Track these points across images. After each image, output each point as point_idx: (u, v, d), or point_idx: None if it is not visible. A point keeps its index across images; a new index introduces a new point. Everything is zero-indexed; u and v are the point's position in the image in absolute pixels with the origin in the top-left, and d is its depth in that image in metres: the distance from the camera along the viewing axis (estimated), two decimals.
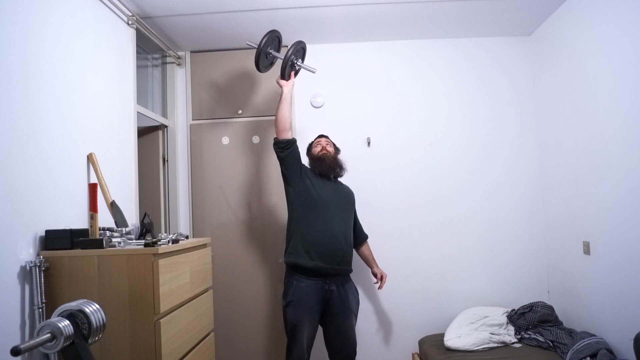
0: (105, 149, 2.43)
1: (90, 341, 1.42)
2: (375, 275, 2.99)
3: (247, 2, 2.82)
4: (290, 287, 2.61)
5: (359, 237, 3.00)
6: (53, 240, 1.89)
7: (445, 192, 3.45)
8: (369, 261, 3.03)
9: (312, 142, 2.99)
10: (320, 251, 2.59)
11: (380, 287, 2.98)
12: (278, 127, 2.78)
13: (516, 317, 3.03)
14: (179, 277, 2.08)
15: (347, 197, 2.86)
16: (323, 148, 2.86)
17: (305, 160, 2.89)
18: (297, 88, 3.54)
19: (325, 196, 2.70)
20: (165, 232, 3.39)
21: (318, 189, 2.71)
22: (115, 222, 2.30)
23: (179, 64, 3.56)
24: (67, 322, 1.35)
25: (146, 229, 2.22)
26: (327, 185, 2.77)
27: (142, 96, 3.16)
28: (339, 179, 2.92)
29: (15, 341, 1.71)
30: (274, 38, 2.92)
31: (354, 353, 2.75)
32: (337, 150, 2.94)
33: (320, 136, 3.00)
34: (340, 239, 2.66)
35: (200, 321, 2.35)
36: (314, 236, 2.62)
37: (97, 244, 1.90)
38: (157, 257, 1.85)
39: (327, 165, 2.79)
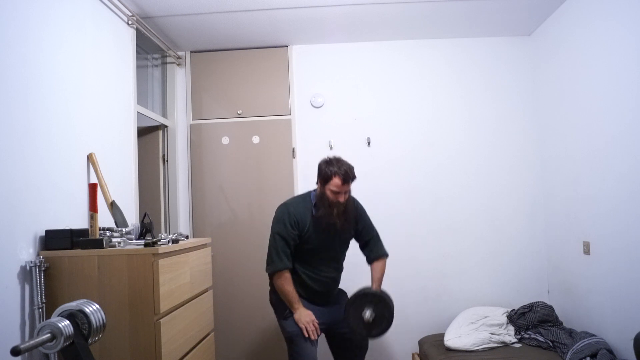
0: (105, 149, 2.43)
1: (90, 341, 1.42)
2: None
3: (247, 2, 2.82)
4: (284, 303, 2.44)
5: (369, 256, 2.56)
6: (53, 240, 1.89)
7: (445, 192, 3.45)
8: (372, 279, 2.51)
9: (331, 173, 2.28)
10: (310, 292, 2.45)
11: None
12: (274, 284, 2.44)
13: (516, 317, 3.03)
14: (179, 277, 2.08)
15: (344, 235, 2.50)
16: (340, 196, 2.32)
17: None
18: (297, 88, 3.54)
19: (320, 245, 2.41)
20: (165, 232, 3.39)
21: (314, 240, 2.39)
22: (115, 222, 2.30)
23: (179, 64, 3.56)
24: (67, 322, 1.35)
25: (146, 229, 2.22)
26: (325, 229, 2.39)
27: (142, 96, 3.16)
28: None
29: (15, 341, 1.71)
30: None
31: (366, 347, 2.58)
32: (354, 179, 2.37)
33: (346, 180, 2.29)
34: (330, 282, 2.50)
35: (200, 321, 2.35)
36: (303, 282, 2.44)
37: (97, 244, 1.90)
38: (157, 257, 1.85)
39: (333, 222, 2.36)
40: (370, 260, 2.55)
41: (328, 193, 2.30)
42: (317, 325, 2.34)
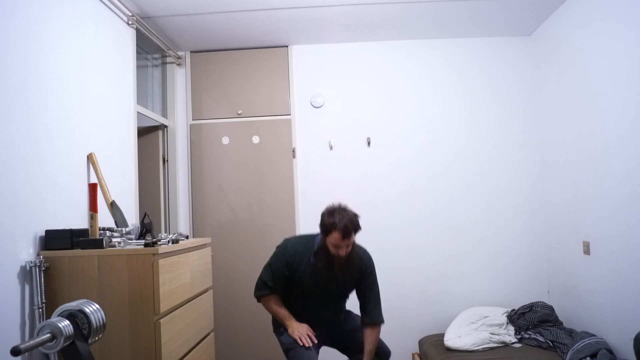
0: (105, 149, 2.43)
1: (90, 341, 1.42)
2: None
3: (247, 2, 2.82)
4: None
5: (364, 320, 2.34)
6: (53, 240, 1.89)
7: (445, 192, 3.45)
8: (364, 352, 2.29)
9: (331, 226, 2.11)
10: (312, 324, 2.36)
11: None
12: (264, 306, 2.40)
13: (516, 317, 3.03)
14: (179, 277, 2.08)
15: (344, 288, 2.36)
16: (341, 250, 2.16)
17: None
18: (297, 88, 3.54)
19: (315, 291, 2.30)
20: (165, 232, 3.39)
21: (309, 285, 2.28)
22: (115, 222, 2.30)
23: (179, 64, 3.56)
24: (67, 322, 1.35)
25: (146, 229, 2.23)
26: (323, 278, 2.25)
27: (142, 96, 3.16)
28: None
29: (15, 341, 1.71)
30: None
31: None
32: (358, 231, 2.18)
33: (346, 235, 2.10)
34: (329, 321, 2.41)
35: (200, 321, 2.35)
36: (300, 315, 2.36)
37: (97, 244, 1.90)
38: (157, 257, 1.85)
39: (334, 279, 2.25)
40: (364, 324, 2.32)
41: (329, 245, 2.16)
42: (312, 335, 2.28)
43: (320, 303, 2.35)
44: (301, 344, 2.24)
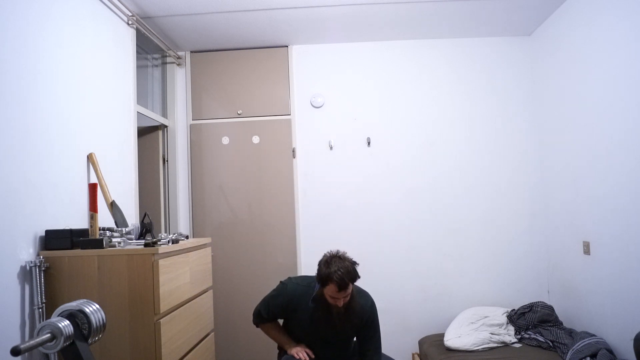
0: (105, 149, 2.43)
1: (90, 341, 1.42)
2: None
3: (247, 2, 2.82)
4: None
5: None
6: (53, 240, 1.89)
7: (445, 191, 3.45)
8: None
9: (327, 278, 2.03)
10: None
11: None
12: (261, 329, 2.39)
13: (516, 317, 3.03)
14: (179, 277, 2.08)
15: (345, 334, 2.26)
16: (339, 302, 2.08)
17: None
18: (297, 88, 3.54)
19: (315, 334, 2.24)
20: (165, 232, 3.39)
21: (307, 328, 2.23)
22: (115, 222, 2.30)
23: (179, 64, 3.56)
24: (67, 322, 1.35)
25: (146, 229, 2.23)
26: (322, 325, 2.18)
27: (142, 96, 3.16)
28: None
29: (15, 341, 1.71)
30: None
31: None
32: (356, 280, 2.10)
33: (342, 287, 2.02)
34: (334, 355, 2.32)
35: (200, 321, 2.35)
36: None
37: (97, 244, 1.90)
38: (157, 257, 1.85)
39: (332, 330, 2.18)
40: None
41: (327, 296, 2.09)
42: (309, 352, 2.22)
43: (322, 344, 2.28)
44: (297, 357, 2.20)
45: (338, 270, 2.01)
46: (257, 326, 2.40)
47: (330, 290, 2.04)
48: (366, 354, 2.24)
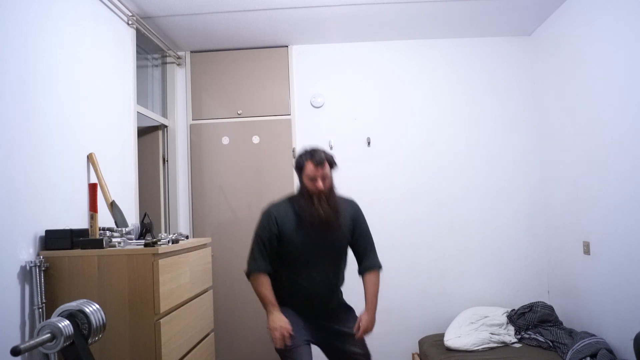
0: (105, 149, 2.43)
1: (90, 341, 1.42)
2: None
3: (247, 2, 2.82)
4: None
5: (361, 267, 2.34)
6: (53, 240, 1.89)
7: (445, 192, 3.45)
8: (365, 300, 2.28)
9: (303, 161, 2.18)
10: (298, 301, 2.28)
11: (357, 336, 2.23)
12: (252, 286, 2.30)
13: (516, 317, 3.03)
14: (179, 277, 2.08)
15: (338, 239, 2.27)
16: (318, 182, 2.15)
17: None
18: (297, 88, 3.54)
19: (306, 246, 2.22)
20: (165, 232, 3.39)
21: (298, 240, 2.21)
22: (115, 222, 2.30)
23: (179, 64, 3.56)
24: (67, 322, 1.35)
25: (146, 229, 2.23)
26: (312, 229, 2.19)
27: (142, 96, 3.16)
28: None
29: (15, 341, 1.71)
30: None
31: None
32: (333, 165, 2.23)
33: (319, 163, 2.15)
34: (321, 291, 2.27)
35: (200, 321, 2.35)
36: (290, 290, 2.27)
37: (97, 244, 1.90)
38: (157, 257, 1.85)
39: (319, 219, 2.17)
40: (362, 271, 2.32)
41: (306, 182, 2.18)
42: (287, 334, 2.11)
43: (312, 270, 2.23)
44: (281, 345, 2.13)
45: (315, 152, 2.18)
46: (249, 277, 2.27)
47: (308, 170, 2.15)
48: (364, 253, 2.32)
